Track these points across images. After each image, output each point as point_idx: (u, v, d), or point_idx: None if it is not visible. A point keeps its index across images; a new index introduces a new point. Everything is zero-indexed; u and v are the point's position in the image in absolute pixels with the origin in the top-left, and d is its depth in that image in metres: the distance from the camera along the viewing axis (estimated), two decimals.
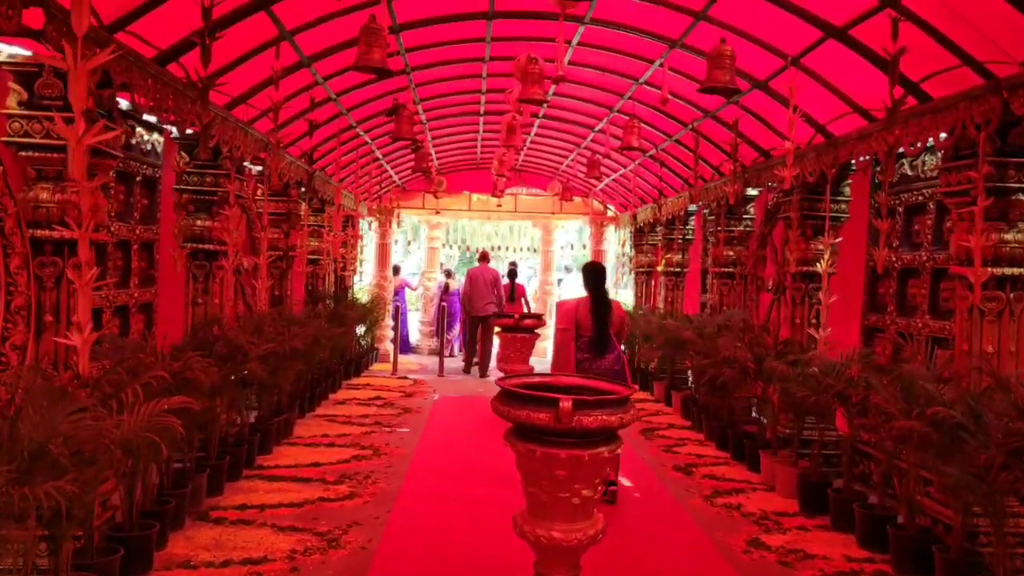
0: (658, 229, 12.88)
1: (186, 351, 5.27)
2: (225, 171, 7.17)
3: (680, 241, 12.23)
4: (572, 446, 4.00)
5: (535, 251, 18.74)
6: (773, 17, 5.35)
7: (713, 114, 7.72)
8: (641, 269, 14.63)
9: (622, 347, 6.48)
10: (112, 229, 6.23)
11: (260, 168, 8.33)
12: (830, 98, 6.03)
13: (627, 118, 8.14)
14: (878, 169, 6.50)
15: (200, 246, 7.17)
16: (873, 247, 7.33)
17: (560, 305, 6.61)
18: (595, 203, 15.44)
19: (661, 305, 13.13)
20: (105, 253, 5.98)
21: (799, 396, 6.37)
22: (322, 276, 12.34)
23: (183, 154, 7.26)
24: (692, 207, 11.58)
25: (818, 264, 7.29)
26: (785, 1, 5.04)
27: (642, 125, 8.04)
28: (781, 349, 7.10)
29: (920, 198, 6.51)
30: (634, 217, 13.74)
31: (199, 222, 7.19)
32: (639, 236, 14.42)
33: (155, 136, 6.96)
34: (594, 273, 6.44)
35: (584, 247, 16.47)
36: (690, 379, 11.15)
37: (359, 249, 13.97)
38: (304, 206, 10.13)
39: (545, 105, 9.61)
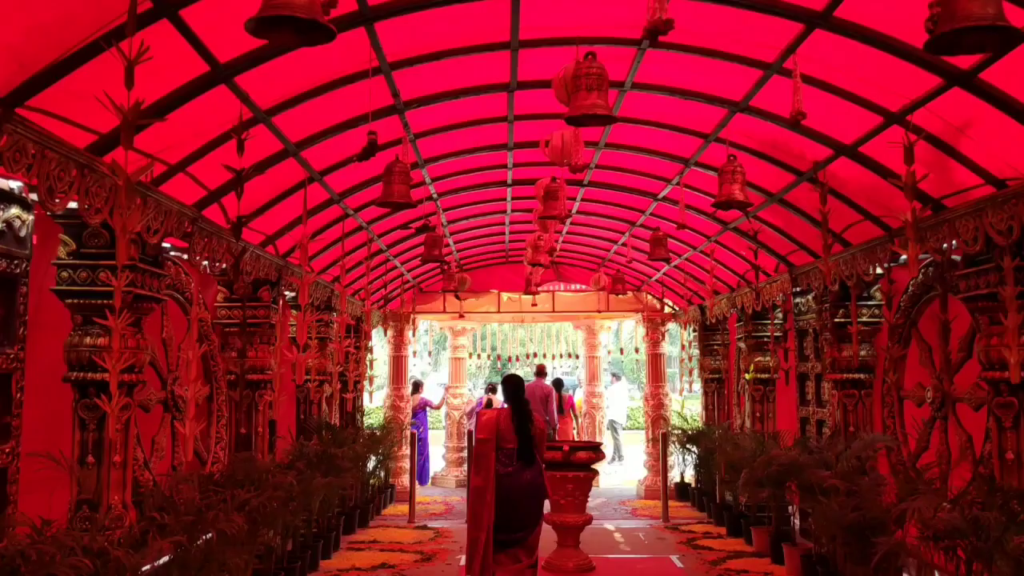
0: (736, 326, 10.28)
1: None
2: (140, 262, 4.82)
3: (770, 340, 9.60)
4: None
5: (576, 356, 16.17)
6: None
7: (852, 149, 5.24)
8: (711, 375, 11.96)
9: (543, 464, 6.54)
10: None
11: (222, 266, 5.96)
12: None
13: (715, 172, 5.70)
14: None
15: (90, 375, 4.74)
16: None
17: (480, 415, 6.77)
18: (649, 297, 12.88)
19: (745, 421, 10.40)
20: None
21: None
22: (316, 402, 9.85)
23: (67, 239, 4.93)
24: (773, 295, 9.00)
25: None
26: None
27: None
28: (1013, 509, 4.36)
29: None
30: (702, 311, 11.13)
31: (88, 339, 4.78)
32: (707, 335, 11.81)
33: (14, 211, 4.64)
34: (514, 386, 6.59)
35: (637, 351, 13.84)
36: (793, 519, 8.34)
37: (367, 364, 11.49)
38: (282, 313, 7.71)
39: (600, 147, 7.22)
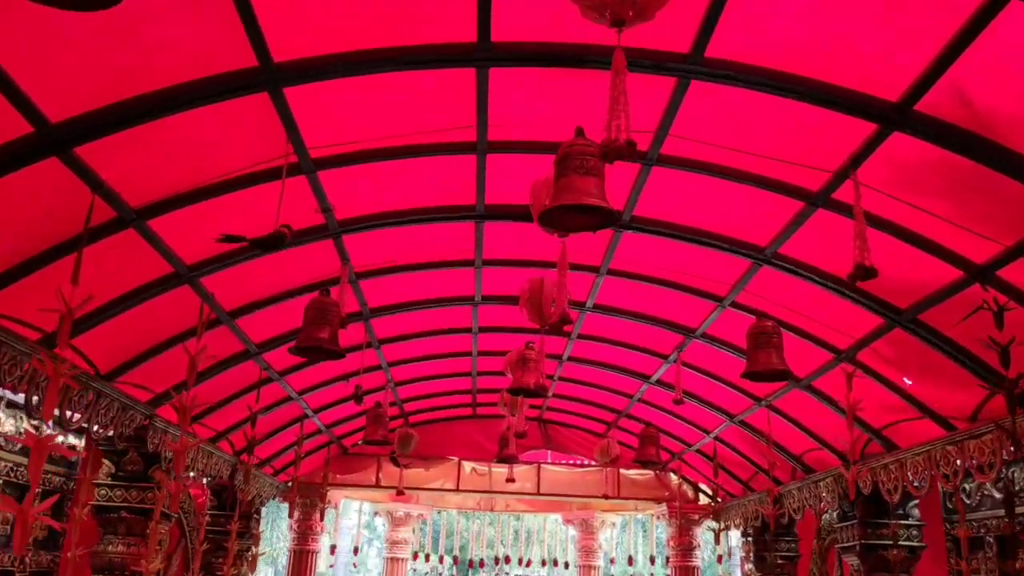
0: (834, 526, 6.35)
1: None
2: None
3: (902, 547, 5.72)
4: None
5: (567, 566, 11.88)
6: None
7: None
8: None
9: None
10: None
11: None
12: None
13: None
14: None
15: None
16: None
17: None
18: (676, 481, 8.90)
19: None
20: None
21: None
22: None
23: None
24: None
25: None
26: None
27: None
28: None
29: None
30: (776, 500, 7.15)
31: None
32: (770, 541, 7.78)
33: None
34: None
35: (652, 561, 9.65)
36: None
37: (242, 559, 7.31)
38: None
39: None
